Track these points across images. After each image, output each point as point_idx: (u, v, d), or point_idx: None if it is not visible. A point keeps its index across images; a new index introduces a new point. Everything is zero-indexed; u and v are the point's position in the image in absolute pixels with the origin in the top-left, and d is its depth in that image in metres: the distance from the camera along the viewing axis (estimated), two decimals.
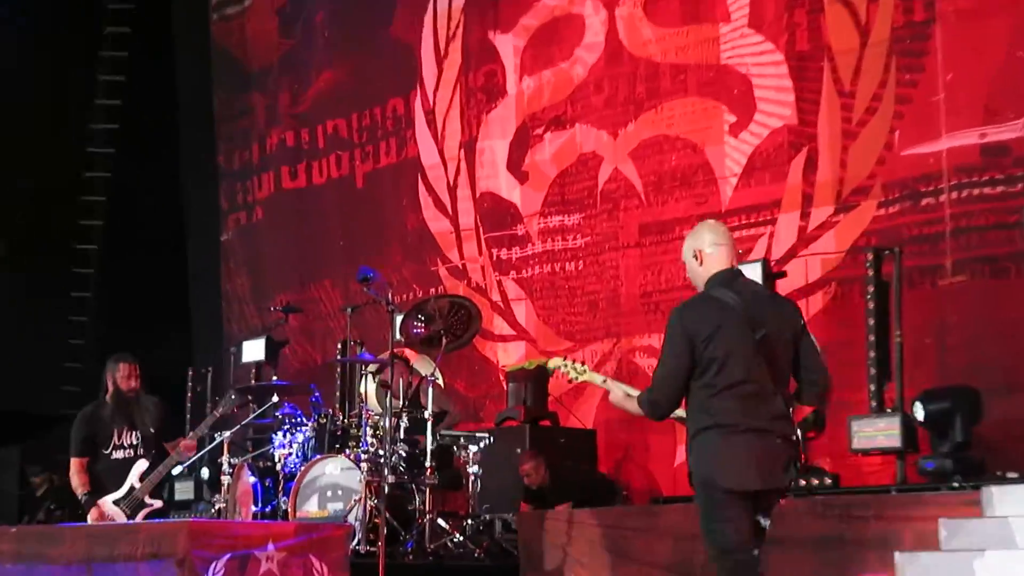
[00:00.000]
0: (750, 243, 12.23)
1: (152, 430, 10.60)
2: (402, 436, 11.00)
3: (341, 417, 11.62)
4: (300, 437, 11.45)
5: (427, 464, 10.84)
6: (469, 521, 11.03)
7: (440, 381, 11.70)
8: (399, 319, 11.16)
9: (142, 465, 10.55)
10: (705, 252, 6.83)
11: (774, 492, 6.68)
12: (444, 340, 11.09)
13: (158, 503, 10.54)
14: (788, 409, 6.64)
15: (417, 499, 10.82)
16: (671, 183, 12.98)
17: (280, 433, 11.56)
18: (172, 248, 17.39)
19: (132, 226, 16.92)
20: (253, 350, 14.65)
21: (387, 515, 9.87)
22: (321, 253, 16.24)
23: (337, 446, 11.27)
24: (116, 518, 10.30)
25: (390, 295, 11.21)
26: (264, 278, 17.07)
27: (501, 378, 13.50)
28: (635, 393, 6.90)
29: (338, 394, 14.05)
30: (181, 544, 8.50)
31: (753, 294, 6.83)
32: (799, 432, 6.66)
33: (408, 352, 11.83)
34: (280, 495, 11.20)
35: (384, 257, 15.30)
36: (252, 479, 11.34)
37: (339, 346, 14.15)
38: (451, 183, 14.92)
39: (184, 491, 14.28)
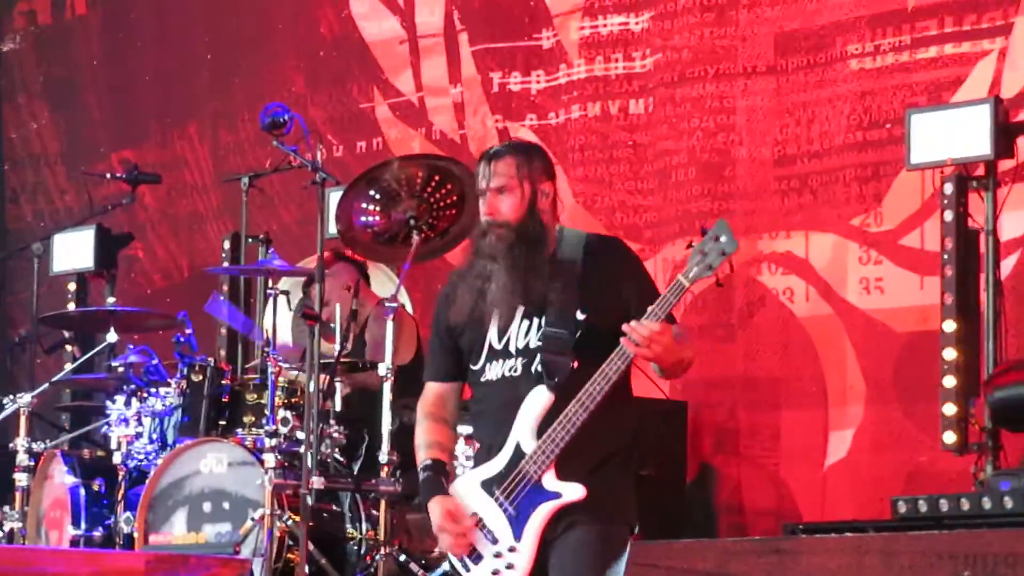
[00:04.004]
0: (963, 66, 10.01)
1: (581, 311, 5.95)
2: (339, 408, 9.53)
3: (230, 372, 10.16)
4: (156, 406, 9.90)
5: (385, 458, 9.13)
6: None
7: (408, 308, 10.44)
8: (335, 199, 9.61)
9: (540, 398, 6.04)
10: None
11: None
12: (416, 236, 9.26)
13: (576, 491, 5.90)
14: None
15: (363, 519, 9.37)
16: None
17: (120, 398, 10.11)
18: None
19: None
20: (71, 251, 12.45)
21: (311, 547, 8.67)
22: (181, 73, 13.68)
23: (222, 424, 9.77)
24: (482, 527, 6.02)
25: (321, 153, 9.23)
26: (84, 120, 14.43)
27: None
28: None
29: (224, 332, 12.14)
30: None
31: None
32: None
33: (348, 259, 10.21)
34: (120, 507, 9.76)
35: (274, 79, 12.95)
36: (70, 479, 10.34)
37: (226, 245, 12.12)
38: None
39: None
